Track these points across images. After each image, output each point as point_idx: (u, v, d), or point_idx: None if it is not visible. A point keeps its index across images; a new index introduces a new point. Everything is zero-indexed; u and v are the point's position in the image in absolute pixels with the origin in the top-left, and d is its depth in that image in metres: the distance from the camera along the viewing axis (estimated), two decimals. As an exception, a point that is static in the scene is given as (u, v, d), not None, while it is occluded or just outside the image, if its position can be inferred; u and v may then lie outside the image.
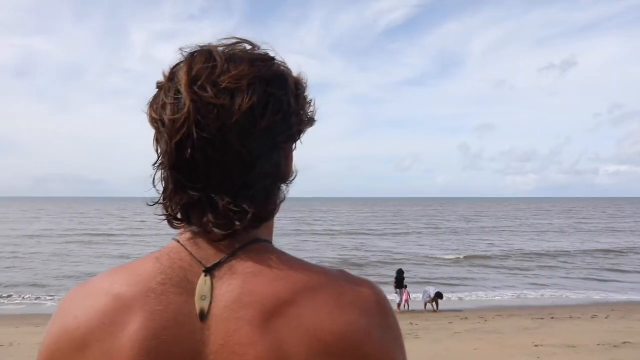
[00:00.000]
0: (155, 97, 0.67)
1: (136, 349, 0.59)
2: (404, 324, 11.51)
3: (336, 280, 0.64)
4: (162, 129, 0.64)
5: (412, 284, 16.59)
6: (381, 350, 0.61)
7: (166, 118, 0.63)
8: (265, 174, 0.65)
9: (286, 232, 39.05)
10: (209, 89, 0.62)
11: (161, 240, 34.09)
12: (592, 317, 12.26)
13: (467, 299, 16.31)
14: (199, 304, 0.61)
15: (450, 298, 15.68)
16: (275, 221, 0.72)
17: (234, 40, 0.69)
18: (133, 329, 0.60)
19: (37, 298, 15.89)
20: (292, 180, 0.71)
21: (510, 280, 19.60)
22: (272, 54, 0.70)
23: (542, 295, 16.83)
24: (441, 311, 13.86)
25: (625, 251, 28.65)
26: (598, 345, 8.75)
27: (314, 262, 0.69)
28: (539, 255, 27.36)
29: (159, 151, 0.66)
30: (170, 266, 0.64)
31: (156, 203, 0.68)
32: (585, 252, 28.56)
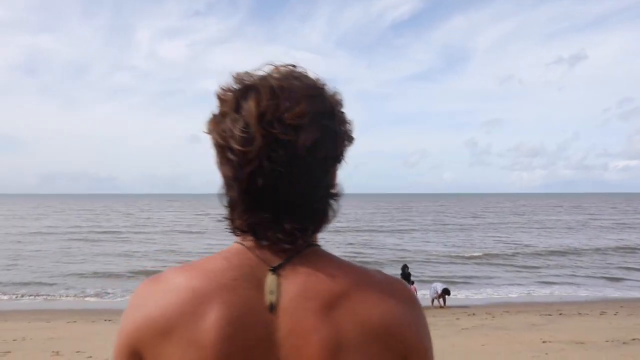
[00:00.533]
0: (218, 122, 0.76)
1: (217, 334, 0.71)
2: (412, 320, 11.53)
3: (376, 278, 0.78)
4: (230, 156, 0.74)
5: (419, 282, 16.60)
6: (417, 334, 0.78)
7: (236, 148, 0.72)
8: (321, 196, 0.77)
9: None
10: (275, 125, 0.71)
11: (164, 237, 34.30)
12: (601, 314, 12.22)
13: (475, 295, 16.29)
14: (268, 297, 0.74)
15: (457, 294, 15.68)
16: None
17: (286, 69, 0.77)
18: (212, 317, 0.71)
19: (48, 295, 16.05)
20: (340, 196, 0.81)
21: (518, 277, 19.53)
22: (319, 79, 0.79)
23: (551, 292, 16.77)
24: (448, 307, 13.86)
25: (635, 247, 28.45)
26: (606, 341, 8.73)
27: None
28: (548, 251, 27.24)
29: (226, 174, 0.76)
30: (239, 265, 0.76)
31: (225, 219, 0.78)
32: (594, 248, 28.40)
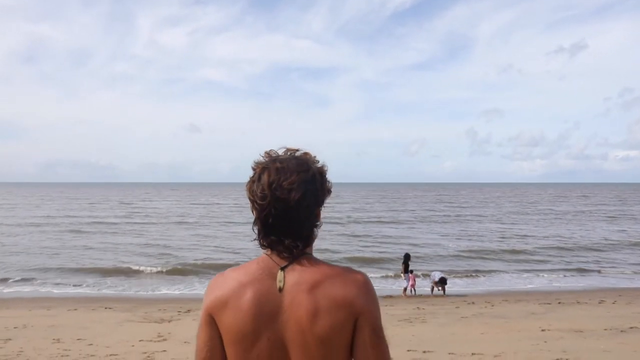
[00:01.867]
0: (250, 185, 1.34)
1: (250, 304, 1.28)
2: (411, 308, 11.58)
3: (342, 271, 1.32)
4: (256, 206, 1.32)
5: (422, 271, 16.65)
6: (364, 303, 1.28)
7: (257, 202, 1.31)
8: (308, 226, 1.34)
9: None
10: (277, 189, 1.29)
11: (151, 227, 34.27)
12: (599, 302, 12.27)
13: (474, 284, 16.36)
14: (278, 284, 1.30)
15: (457, 282, 15.74)
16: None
17: (288, 153, 1.36)
18: (248, 295, 1.29)
19: (43, 283, 16.12)
20: (320, 225, 1.39)
21: (517, 266, 19.60)
22: (308, 157, 1.37)
23: (550, 281, 16.83)
24: (448, 296, 13.92)
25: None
26: (605, 329, 8.77)
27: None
28: (547, 240, 27.32)
29: (255, 215, 1.34)
30: (263, 266, 1.33)
31: (255, 239, 1.36)
32: (595, 238, 28.48)
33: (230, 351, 1.31)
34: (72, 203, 66.41)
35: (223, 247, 24.18)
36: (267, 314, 1.27)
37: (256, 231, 1.35)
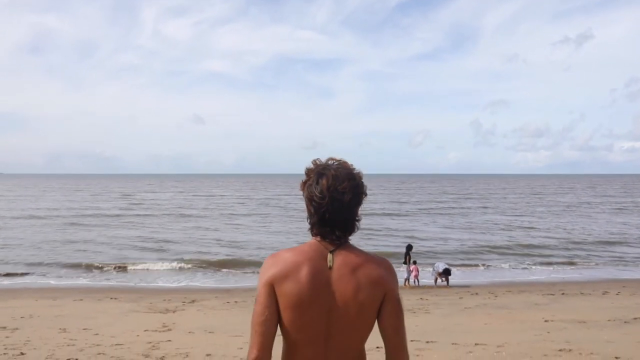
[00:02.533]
0: (307, 186, 1.70)
1: (306, 278, 1.61)
2: (415, 299, 11.62)
3: (375, 258, 1.71)
4: (313, 203, 1.67)
5: (424, 264, 16.67)
6: (391, 283, 1.69)
7: (317, 201, 1.66)
8: (353, 220, 1.71)
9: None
10: (334, 192, 1.63)
11: (146, 219, 34.38)
12: (603, 294, 12.27)
13: (478, 275, 16.37)
14: (329, 263, 1.65)
15: (461, 273, 15.75)
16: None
17: (336, 163, 1.71)
18: (304, 271, 1.62)
19: (43, 275, 16.26)
20: (360, 219, 1.75)
21: (521, 257, 19.59)
22: (351, 166, 1.74)
23: (553, 273, 16.82)
24: (451, 287, 13.95)
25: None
26: (608, 320, 8.77)
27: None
28: (552, 232, 27.28)
29: (310, 211, 1.70)
30: (316, 249, 1.68)
31: (310, 230, 1.73)
32: (600, 230, 28.41)
33: (287, 314, 1.63)
34: (74, 195, 66.71)
35: (223, 240, 24.27)
36: (320, 285, 1.63)
37: (310, 222, 1.72)
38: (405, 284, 14.23)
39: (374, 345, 6.95)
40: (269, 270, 1.66)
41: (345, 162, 1.73)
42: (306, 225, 1.76)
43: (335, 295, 1.62)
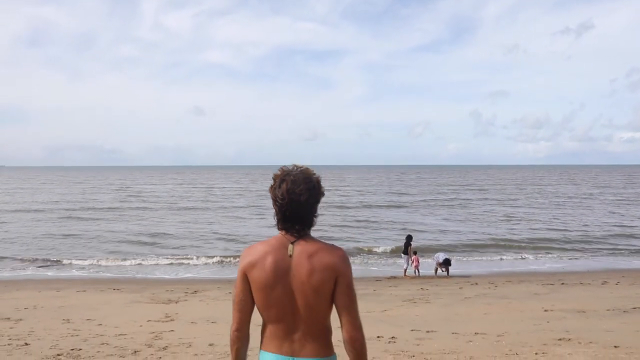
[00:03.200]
0: (273, 188, 2.01)
1: (271, 266, 1.95)
2: (415, 289, 11.69)
3: (329, 246, 2.01)
4: (277, 203, 2.00)
5: (425, 256, 16.71)
6: (342, 268, 1.96)
7: (278, 202, 1.99)
8: (310, 217, 2.03)
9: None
10: (292, 193, 1.96)
11: (141, 212, 34.40)
12: (603, 284, 12.33)
13: (478, 265, 16.44)
14: (289, 252, 1.97)
15: (461, 264, 15.82)
16: None
17: (297, 169, 2.02)
18: (269, 260, 1.96)
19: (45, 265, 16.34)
20: (317, 215, 2.06)
21: (521, 248, 19.66)
22: (310, 171, 2.05)
23: (553, 262, 16.89)
24: (451, 277, 14.02)
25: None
26: (608, 310, 8.84)
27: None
28: (552, 223, 27.34)
29: (275, 210, 2.01)
30: (280, 241, 2.01)
31: (276, 225, 2.03)
32: (600, 221, 28.47)
33: (257, 295, 2.00)
34: (74, 187, 66.73)
35: (222, 233, 24.35)
36: (281, 271, 1.96)
37: (276, 219, 2.04)
38: (404, 275, 14.31)
39: (375, 335, 6.97)
40: (243, 260, 2.02)
41: (307, 169, 2.05)
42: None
43: (294, 279, 1.94)
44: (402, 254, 14.84)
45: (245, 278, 2.00)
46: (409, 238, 15.04)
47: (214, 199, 45.93)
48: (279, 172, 2.04)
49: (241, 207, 37.25)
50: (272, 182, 2.04)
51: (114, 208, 35.76)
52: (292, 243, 1.97)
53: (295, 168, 2.04)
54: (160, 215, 31.24)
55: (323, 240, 2.03)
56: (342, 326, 1.97)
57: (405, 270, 14.43)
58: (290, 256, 1.95)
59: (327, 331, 2.03)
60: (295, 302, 1.95)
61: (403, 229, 23.85)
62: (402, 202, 40.93)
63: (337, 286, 1.94)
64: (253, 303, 2.03)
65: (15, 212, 32.37)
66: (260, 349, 2.08)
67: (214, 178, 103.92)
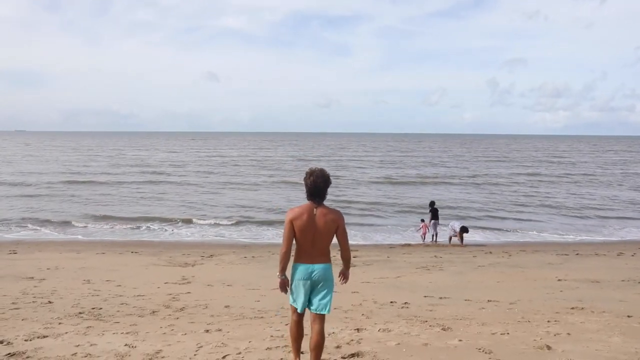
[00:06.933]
0: (305, 179, 4.07)
1: (306, 218, 3.93)
2: (429, 257, 11.76)
3: (334, 210, 4.06)
4: (307, 187, 4.05)
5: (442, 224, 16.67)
6: (340, 222, 3.99)
7: (308, 186, 4.03)
8: (324, 194, 4.05)
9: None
10: (316, 183, 4.00)
11: (142, 185, 34.69)
12: (618, 255, 12.25)
13: (492, 234, 16.41)
14: (314, 212, 3.98)
15: (476, 233, 15.80)
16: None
17: (318, 169, 4.09)
18: (305, 216, 3.96)
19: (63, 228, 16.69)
20: (327, 194, 4.11)
21: (537, 218, 19.53)
22: (327, 173, 4.13)
23: (567, 233, 16.77)
24: (466, 245, 14.04)
25: None
26: (622, 281, 8.80)
27: None
28: (570, 198, 27.03)
29: (306, 189, 4.05)
30: (309, 206, 4.02)
31: (306, 197, 4.03)
32: (621, 193, 28.04)
33: (297, 234, 3.85)
34: (87, 155, 67.49)
35: (239, 199, 24.54)
36: (310, 222, 3.85)
37: (307, 194, 3.95)
38: (432, 240, 14.72)
39: (388, 300, 7.02)
40: (289, 215, 3.90)
41: (322, 169, 4.00)
42: (302, 194, 4.06)
43: (317, 226, 3.85)
44: (430, 221, 14.92)
45: (291, 224, 3.83)
46: (432, 204, 15.15)
47: (228, 166, 46.23)
48: (309, 171, 3.98)
49: (256, 175, 37.46)
50: (304, 175, 4.01)
51: (137, 173, 36.24)
52: (315, 208, 3.89)
53: (317, 169, 3.98)
54: (181, 180, 31.62)
55: (331, 207, 3.98)
56: (340, 249, 3.98)
57: (433, 236, 14.70)
58: (314, 214, 3.86)
59: (329, 252, 3.95)
60: (315, 237, 3.86)
61: (426, 199, 23.78)
62: (418, 176, 40.74)
63: (337, 230, 3.88)
64: (293, 238, 3.87)
65: (54, 174, 32.99)
66: (294, 262, 3.96)
67: (229, 145, 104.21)
